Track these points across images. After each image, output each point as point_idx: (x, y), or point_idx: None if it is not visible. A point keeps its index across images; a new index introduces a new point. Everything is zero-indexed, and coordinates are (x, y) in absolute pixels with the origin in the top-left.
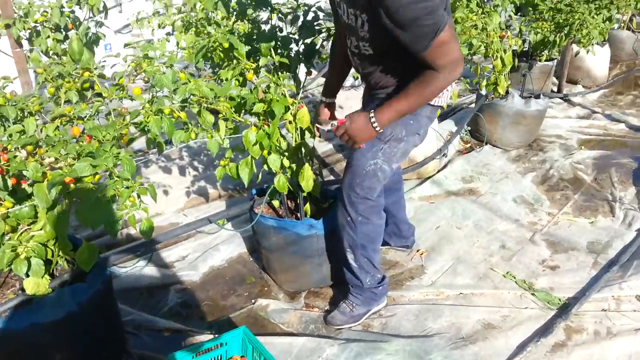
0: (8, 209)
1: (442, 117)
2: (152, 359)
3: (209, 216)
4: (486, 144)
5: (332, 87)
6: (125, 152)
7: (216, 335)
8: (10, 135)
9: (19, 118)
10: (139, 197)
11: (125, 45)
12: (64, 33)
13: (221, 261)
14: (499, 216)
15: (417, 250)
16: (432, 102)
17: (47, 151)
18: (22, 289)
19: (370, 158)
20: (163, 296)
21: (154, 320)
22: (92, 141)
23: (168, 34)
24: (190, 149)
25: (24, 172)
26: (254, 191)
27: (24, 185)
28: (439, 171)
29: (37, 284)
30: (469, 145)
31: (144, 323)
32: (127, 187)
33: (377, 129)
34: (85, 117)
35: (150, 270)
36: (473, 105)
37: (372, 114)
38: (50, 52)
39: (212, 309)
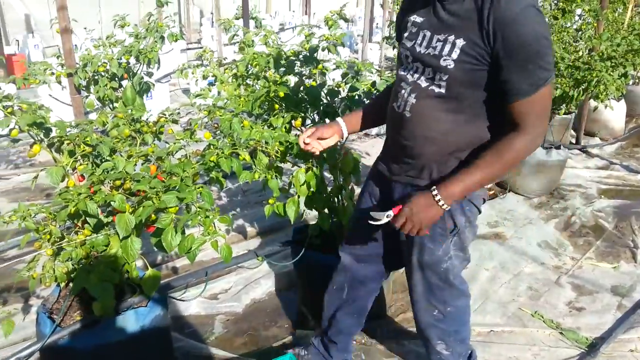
0: (87, 236)
1: None
2: None
3: (253, 250)
4: (509, 191)
5: (354, 119)
6: (202, 186)
7: None
8: (104, 170)
9: (109, 155)
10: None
11: (197, 95)
12: (118, 82)
13: (262, 294)
14: (524, 259)
15: None
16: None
17: (132, 185)
18: (88, 311)
19: (444, 255)
20: (209, 325)
21: (202, 348)
22: (171, 178)
23: (210, 84)
24: (229, 190)
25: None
26: (295, 228)
27: (100, 216)
28: None
29: (104, 307)
30: (492, 192)
31: (192, 350)
32: (208, 217)
33: (444, 206)
34: (163, 157)
35: (197, 301)
36: None
37: (435, 191)
38: (105, 99)
39: (255, 338)
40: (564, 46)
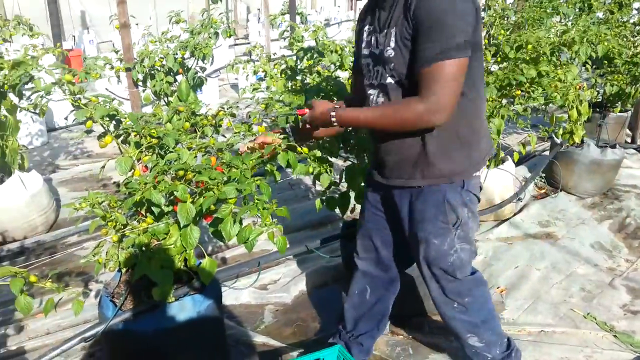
0: (149, 224)
1: (517, 163)
2: None
3: (304, 244)
4: (561, 190)
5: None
6: (260, 179)
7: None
8: (167, 162)
9: (174, 147)
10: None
11: (253, 89)
12: (174, 76)
13: (310, 286)
14: (577, 260)
15: (497, 288)
16: (476, 173)
17: (194, 176)
18: (147, 296)
19: (449, 249)
20: (259, 315)
21: (252, 336)
22: (230, 170)
23: (260, 79)
24: (277, 184)
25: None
26: (344, 222)
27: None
28: (515, 214)
29: (163, 292)
30: (543, 191)
31: (242, 337)
32: (266, 209)
33: (334, 123)
34: (223, 149)
35: (247, 290)
36: (546, 152)
37: (332, 112)
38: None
39: (303, 329)
40: (620, 41)
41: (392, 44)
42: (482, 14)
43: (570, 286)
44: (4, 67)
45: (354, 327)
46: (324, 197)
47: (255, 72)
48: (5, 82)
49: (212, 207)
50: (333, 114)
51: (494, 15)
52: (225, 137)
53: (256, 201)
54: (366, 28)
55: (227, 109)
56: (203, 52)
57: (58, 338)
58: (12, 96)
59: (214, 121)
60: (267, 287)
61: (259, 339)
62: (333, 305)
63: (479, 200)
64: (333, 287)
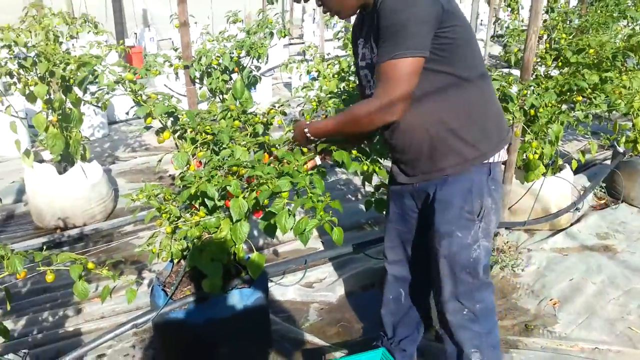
0: (201, 217)
1: (576, 172)
2: None
3: (355, 244)
4: (622, 201)
5: None
6: (314, 173)
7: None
8: (222, 157)
9: (227, 144)
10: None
11: (303, 87)
12: (229, 75)
13: (356, 287)
14: (637, 276)
15: (550, 300)
16: (498, 159)
17: (246, 172)
18: (197, 287)
19: (473, 243)
20: (304, 312)
21: (297, 332)
22: (283, 165)
23: (314, 79)
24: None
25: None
26: None
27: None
28: (572, 224)
29: (213, 284)
30: (603, 201)
31: (287, 334)
32: (320, 201)
33: (310, 137)
34: (276, 145)
35: (293, 287)
36: (607, 161)
37: (306, 128)
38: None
39: (347, 329)
40: None
41: (375, 52)
42: (545, 16)
43: (629, 303)
44: (71, 62)
45: (394, 333)
46: (372, 199)
47: (308, 72)
48: (72, 76)
49: (266, 202)
50: (306, 130)
51: (557, 18)
52: (271, 136)
53: (310, 194)
54: (359, 40)
55: (278, 107)
56: (258, 52)
57: (112, 322)
58: (76, 90)
59: (264, 119)
60: (313, 285)
61: (303, 336)
62: (378, 308)
63: (500, 188)
64: (379, 289)
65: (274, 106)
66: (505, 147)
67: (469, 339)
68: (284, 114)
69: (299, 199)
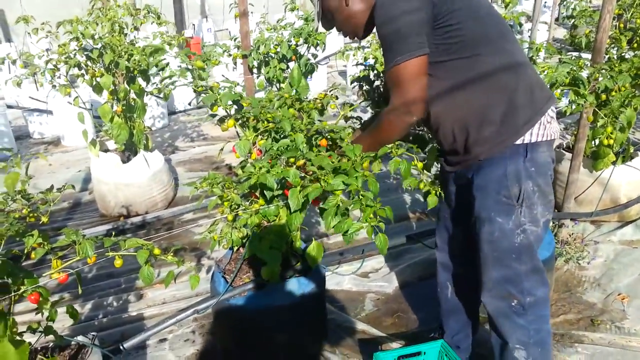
0: (261, 206)
1: None
2: (349, 356)
3: (409, 234)
4: None
5: None
6: (370, 174)
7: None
8: (281, 147)
9: (289, 132)
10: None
11: (362, 77)
12: (286, 63)
13: (412, 277)
14: None
15: (618, 295)
16: (546, 138)
17: (304, 163)
18: (255, 275)
19: (515, 227)
20: (360, 302)
21: (353, 322)
22: (341, 160)
23: (370, 66)
24: None
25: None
26: None
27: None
28: None
29: (271, 272)
30: None
31: (343, 323)
32: (369, 206)
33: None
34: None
35: (349, 277)
36: None
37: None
38: (274, 79)
39: (403, 320)
40: None
41: None
42: None
43: None
44: (135, 53)
45: (447, 324)
46: (430, 190)
47: (365, 59)
48: (136, 67)
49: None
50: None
51: None
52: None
53: (360, 197)
54: None
55: (331, 92)
56: (317, 39)
57: (172, 308)
58: (140, 80)
59: (320, 104)
60: (369, 275)
61: (359, 326)
62: (435, 299)
63: (552, 177)
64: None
65: (328, 92)
66: (546, 120)
67: (513, 332)
68: (336, 98)
69: (347, 201)
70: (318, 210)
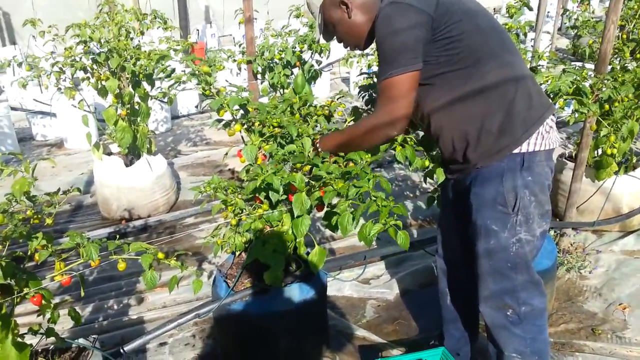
0: (265, 210)
1: None
2: None
3: (411, 241)
4: None
5: None
6: (380, 175)
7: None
8: (288, 152)
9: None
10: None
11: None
12: (290, 69)
13: (414, 284)
14: None
15: (620, 305)
16: (544, 147)
17: (310, 169)
18: (257, 280)
19: (511, 237)
20: (361, 309)
21: (353, 328)
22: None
23: (374, 73)
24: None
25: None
26: None
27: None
28: None
29: (275, 276)
30: None
31: (343, 329)
32: (385, 206)
33: (320, 150)
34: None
35: (350, 283)
36: None
37: (317, 143)
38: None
39: (404, 327)
40: None
41: None
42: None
43: None
44: (141, 57)
45: (447, 331)
46: (434, 195)
47: (369, 66)
48: (141, 71)
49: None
50: (317, 144)
51: (635, 7)
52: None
53: (372, 197)
54: None
55: (338, 99)
56: (321, 46)
57: (173, 312)
58: (144, 84)
59: (327, 111)
60: (370, 281)
61: (360, 332)
62: (436, 306)
63: (549, 187)
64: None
65: (333, 99)
66: (544, 130)
67: (510, 342)
68: (344, 105)
69: (363, 204)
70: (318, 215)
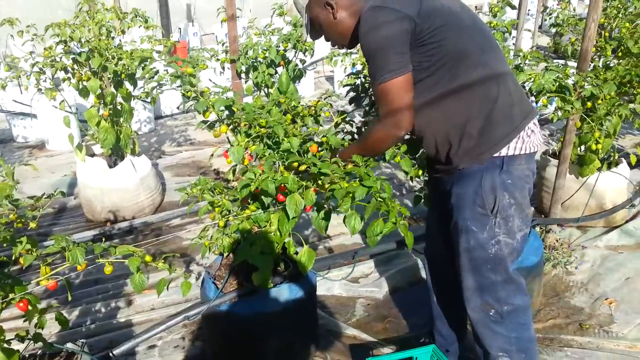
0: (252, 211)
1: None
2: None
3: (399, 240)
4: None
5: None
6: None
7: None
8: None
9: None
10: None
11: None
12: (275, 68)
13: (403, 282)
14: None
15: (606, 299)
16: (525, 151)
17: (306, 168)
18: (245, 281)
19: (490, 238)
20: (350, 307)
21: (343, 327)
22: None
23: (358, 72)
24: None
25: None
26: None
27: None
28: (627, 221)
29: (263, 278)
30: None
31: (333, 328)
32: (394, 207)
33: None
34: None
35: (339, 282)
36: None
37: (337, 154)
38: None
39: (394, 325)
40: None
41: None
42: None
43: None
44: (123, 57)
45: (436, 327)
46: (421, 194)
47: (353, 65)
48: (123, 71)
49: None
50: (338, 156)
51: (619, 6)
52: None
53: (378, 198)
54: None
55: (325, 99)
56: (305, 45)
57: (162, 314)
58: (127, 84)
59: (314, 111)
60: (359, 280)
61: (349, 331)
62: (426, 304)
63: (530, 191)
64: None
65: (321, 98)
66: (525, 134)
67: (494, 341)
68: (330, 105)
69: (369, 204)
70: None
